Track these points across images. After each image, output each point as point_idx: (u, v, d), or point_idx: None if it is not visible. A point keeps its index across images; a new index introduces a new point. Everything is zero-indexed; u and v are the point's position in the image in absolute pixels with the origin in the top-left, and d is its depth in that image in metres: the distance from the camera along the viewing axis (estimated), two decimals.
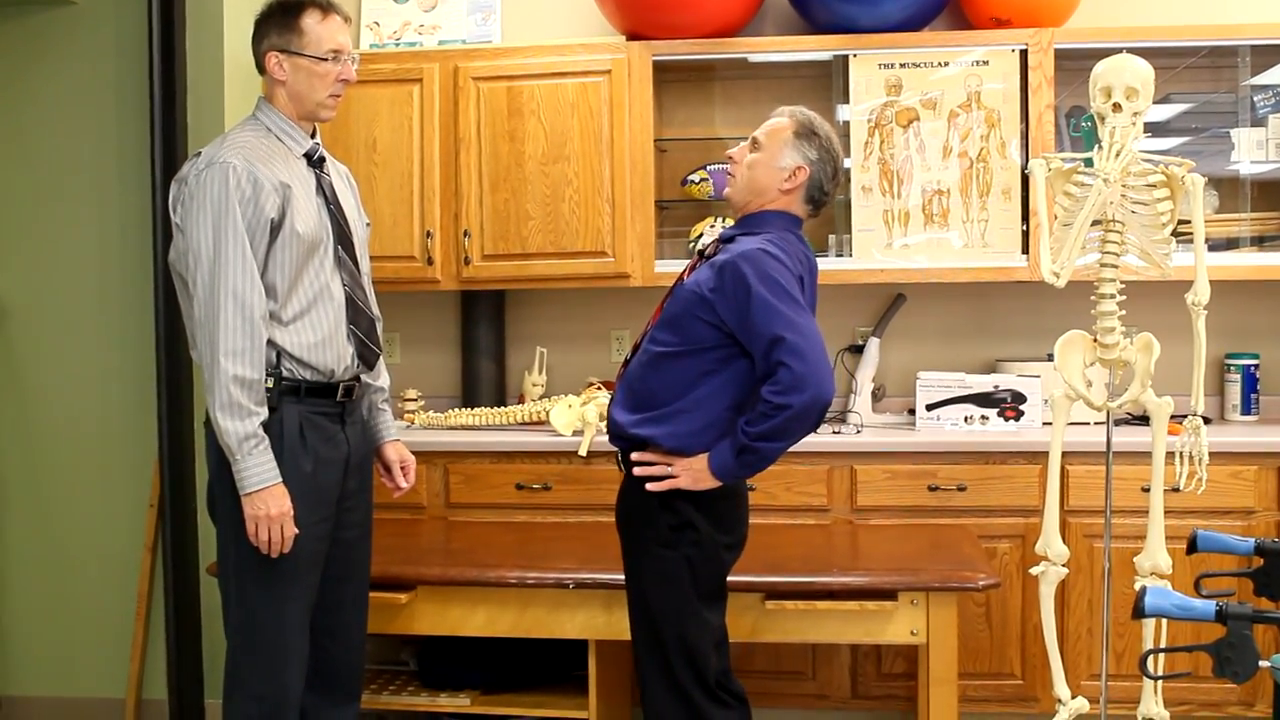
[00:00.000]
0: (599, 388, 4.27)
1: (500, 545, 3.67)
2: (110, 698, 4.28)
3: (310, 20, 2.85)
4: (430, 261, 4.36)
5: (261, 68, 2.90)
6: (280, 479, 2.74)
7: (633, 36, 4.31)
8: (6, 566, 4.33)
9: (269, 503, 2.71)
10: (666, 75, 4.45)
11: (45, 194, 4.31)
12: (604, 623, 3.29)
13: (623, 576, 3.05)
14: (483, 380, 4.63)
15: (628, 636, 3.24)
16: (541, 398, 4.46)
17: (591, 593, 3.27)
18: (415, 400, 4.56)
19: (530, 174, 4.31)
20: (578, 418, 4.12)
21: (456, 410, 4.42)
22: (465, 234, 4.34)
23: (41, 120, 4.29)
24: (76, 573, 4.32)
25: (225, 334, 2.68)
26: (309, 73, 2.86)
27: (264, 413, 2.73)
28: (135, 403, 4.24)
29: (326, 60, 2.86)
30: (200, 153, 2.82)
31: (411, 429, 4.38)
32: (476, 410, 4.39)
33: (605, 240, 4.27)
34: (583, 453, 4.07)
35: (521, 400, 4.57)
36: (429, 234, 4.35)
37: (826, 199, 2.89)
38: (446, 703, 3.60)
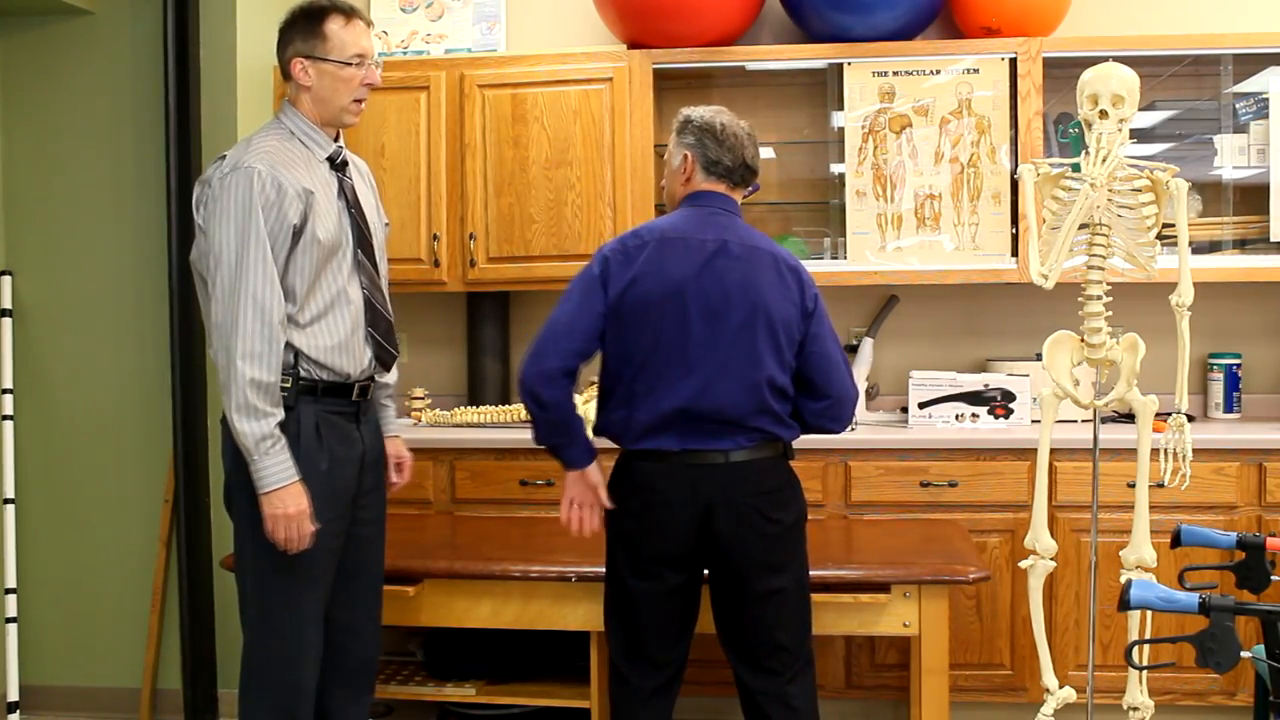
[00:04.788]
0: None
1: (504, 539, 3.69)
2: (126, 687, 4.33)
3: (334, 26, 2.85)
4: (437, 264, 4.42)
5: (286, 73, 2.90)
6: (297, 477, 2.75)
7: (634, 45, 4.37)
8: (28, 560, 4.38)
9: (287, 501, 2.73)
10: (666, 83, 4.49)
11: (63, 196, 4.36)
12: None
13: None
14: (488, 379, 4.67)
15: None
16: None
17: (593, 585, 3.27)
18: (422, 399, 4.60)
19: (534, 179, 4.37)
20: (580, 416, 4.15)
21: (462, 408, 4.46)
22: (471, 237, 4.40)
23: (60, 125, 4.34)
24: (94, 566, 4.37)
25: (243, 337, 2.69)
26: (333, 78, 2.86)
27: (280, 414, 2.74)
28: (151, 400, 4.29)
29: (350, 65, 2.86)
30: (225, 156, 2.82)
31: (418, 426, 4.42)
32: (482, 408, 4.43)
33: None
34: None
35: None
36: (436, 237, 4.41)
37: (728, 165, 2.95)
38: (453, 692, 3.63)
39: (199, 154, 4.10)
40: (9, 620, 4.28)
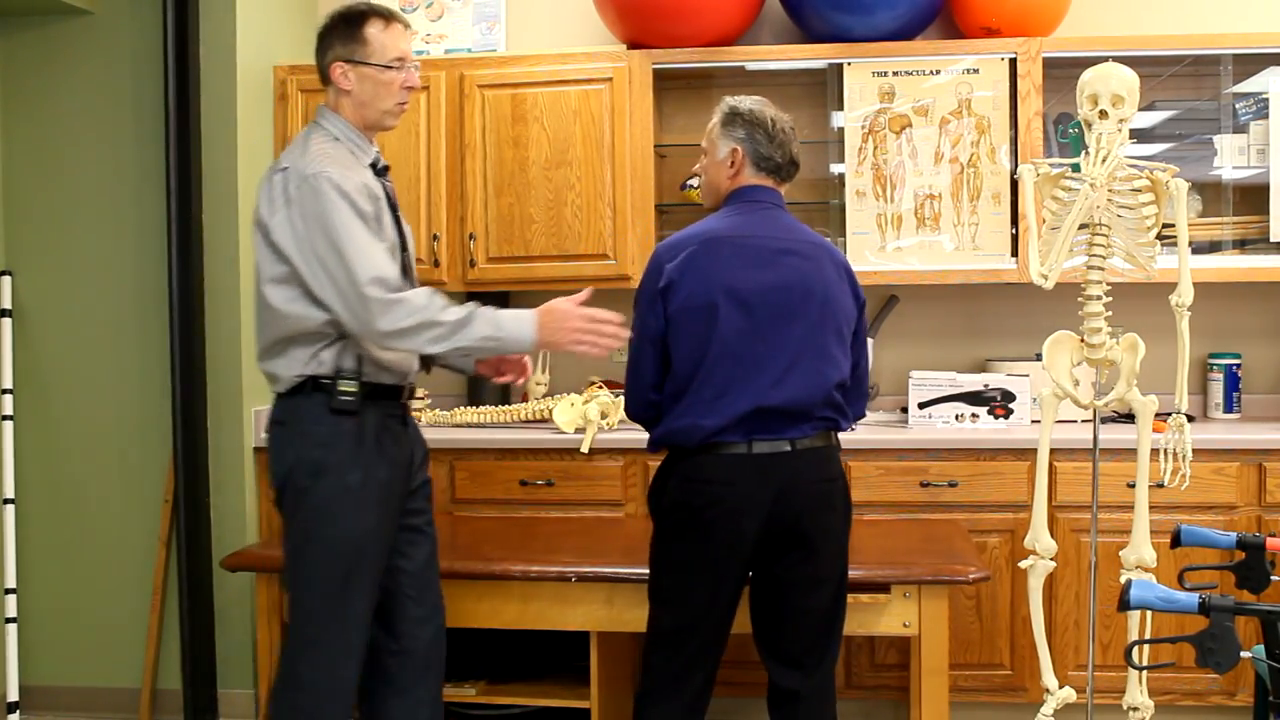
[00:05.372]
0: (600, 386, 4.32)
1: (504, 540, 3.69)
2: (126, 687, 4.34)
3: (373, 29, 2.85)
4: (437, 264, 4.42)
5: (326, 78, 2.89)
6: (534, 311, 2.82)
7: (634, 45, 4.37)
8: (28, 560, 4.38)
9: (552, 328, 2.81)
10: (666, 83, 4.50)
11: (63, 196, 4.36)
12: (605, 615, 3.31)
13: (624, 570, 3.12)
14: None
15: (628, 628, 3.29)
16: (545, 396, 4.51)
17: (593, 585, 3.29)
18: (422, 399, 4.59)
19: (534, 179, 4.37)
20: (580, 415, 4.15)
21: (462, 408, 4.46)
22: (471, 237, 4.40)
23: (60, 126, 4.34)
24: (94, 566, 4.37)
25: (389, 313, 2.69)
26: (375, 81, 2.85)
27: (455, 310, 2.74)
28: (151, 400, 4.29)
29: (391, 68, 2.86)
30: (286, 167, 2.78)
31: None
32: (481, 408, 4.44)
33: (607, 243, 4.34)
34: (585, 450, 4.11)
35: (525, 399, 4.60)
36: (435, 237, 4.42)
37: (779, 161, 2.97)
38: (453, 693, 3.59)
39: (199, 154, 4.10)
40: (9, 620, 4.28)
